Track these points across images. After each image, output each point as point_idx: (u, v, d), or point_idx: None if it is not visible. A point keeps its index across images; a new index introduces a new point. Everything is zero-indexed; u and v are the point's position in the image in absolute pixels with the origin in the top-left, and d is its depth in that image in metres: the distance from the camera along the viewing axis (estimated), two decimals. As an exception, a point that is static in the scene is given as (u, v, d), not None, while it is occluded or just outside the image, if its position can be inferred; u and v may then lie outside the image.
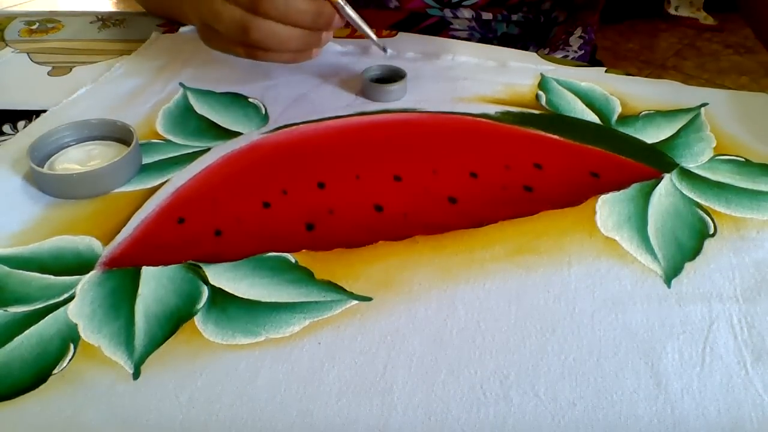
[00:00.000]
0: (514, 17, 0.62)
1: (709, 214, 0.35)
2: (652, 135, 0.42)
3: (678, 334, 0.29)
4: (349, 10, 0.41)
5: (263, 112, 0.45)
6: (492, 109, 0.44)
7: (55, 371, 0.27)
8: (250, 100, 0.46)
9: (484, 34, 0.62)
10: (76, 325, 0.29)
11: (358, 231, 0.34)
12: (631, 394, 0.26)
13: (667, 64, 2.13)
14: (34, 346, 0.28)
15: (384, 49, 0.45)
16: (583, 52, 0.70)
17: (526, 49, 0.60)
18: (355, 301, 0.30)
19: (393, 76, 0.47)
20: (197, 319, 0.29)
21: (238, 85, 0.48)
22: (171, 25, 0.58)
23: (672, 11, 2.36)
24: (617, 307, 0.30)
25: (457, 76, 0.49)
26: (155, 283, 0.31)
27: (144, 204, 0.36)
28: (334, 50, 0.53)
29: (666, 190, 0.37)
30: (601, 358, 0.28)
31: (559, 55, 0.67)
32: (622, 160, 0.40)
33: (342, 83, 0.48)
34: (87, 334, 0.29)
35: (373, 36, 0.44)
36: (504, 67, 0.50)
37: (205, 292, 0.31)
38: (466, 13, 0.60)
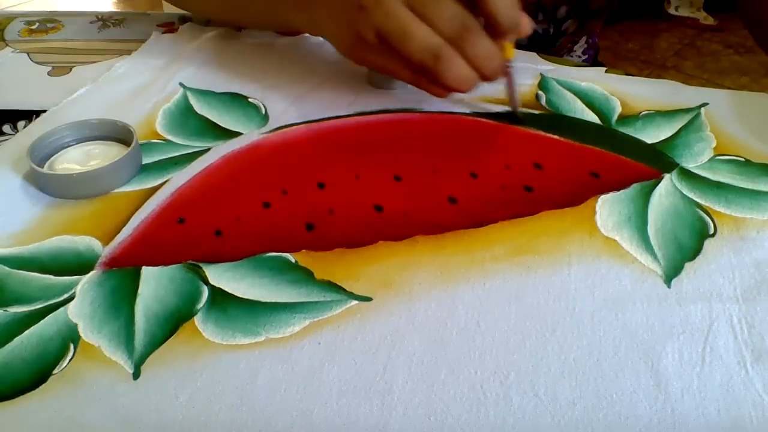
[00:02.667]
0: None
1: (709, 214, 0.35)
2: (652, 135, 0.42)
3: (678, 334, 0.29)
4: (515, 75, 0.42)
5: (263, 112, 0.45)
6: (492, 109, 0.44)
7: (55, 371, 0.27)
8: (250, 100, 0.46)
9: None
10: (76, 325, 0.29)
11: (358, 231, 0.34)
12: (631, 394, 0.26)
13: (667, 64, 2.13)
14: (34, 346, 0.28)
15: (518, 117, 0.44)
16: (586, 56, 0.70)
17: None
18: (355, 301, 0.30)
19: None
20: (197, 319, 0.29)
21: (238, 85, 0.48)
22: (171, 25, 0.58)
23: (672, 11, 2.36)
24: (617, 307, 0.30)
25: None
26: (155, 283, 0.31)
27: (144, 204, 0.36)
28: (334, 50, 0.53)
29: (666, 190, 0.37)
30: (601, 358, 0.28)
31: None
32: (622, 160, 0.40)
33: (342, 83, 0.48)
34: (87, 334, 0.29)
35: (517, 105, 0.44)
36: (504, 67, 0.50)
37: (205, 292, 0.31)
38: None
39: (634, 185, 0.37)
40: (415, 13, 0.36)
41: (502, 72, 0.41)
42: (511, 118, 0.44)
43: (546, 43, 0.64)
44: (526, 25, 0.39)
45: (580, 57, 0.70)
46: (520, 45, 0.59)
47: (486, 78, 0.39)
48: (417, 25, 0.36)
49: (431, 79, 0.39)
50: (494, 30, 0.38)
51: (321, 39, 0.54)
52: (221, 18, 0.57)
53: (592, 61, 0.72)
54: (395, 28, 0.37)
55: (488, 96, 0.46)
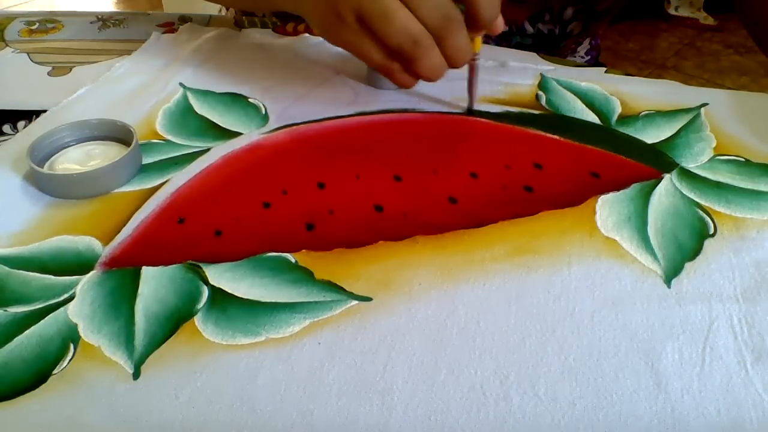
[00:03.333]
0: (530, 30, 0.62)
1: (709, 214, 0.35)
2: (652, 135, 0.42)
3: (678, 334, 0.29)
4: (478, 69, 0.43)
5: (263, 112, 0.45)
6: (492, 109, 0.44)
7: (55, 371, 0.27)
8: (250, 100, 0.46)
9: (498, 42, 0.62)
10: (76, 325, 0.29)
11: (358, 231, 0.34)
12: (631, 394, 0.26)
13: (667, 64, 2.13)
14: (34, 346, 0.28)
15: (470, 110, 0.45)
16: (589, 57, 0.70)
17: None
18: (355, 301, 0.30)
19: None
20: (197, 319, 0.29)
21: (238, 85, 0.48)
22: (171, 24, 0.58)
23: (672, 11, 2.36)
24: (617, 307, 0.30)
25: (456, 76, 0.49)
26: (155, 283, 0.31)
27: (144, 204, 0.36)
28: (334, 50, 0.53)
29: (666, 190, 0.37)
30: (601, 358, 0.28)
31: None
32: (622, 160, 0.40)
33: (342, 83, 0.48)
34: (87, 334, 0.29)
35: (474, 99, 0.44)
36: (504, 67, 0.50)
37: (205, 292, 0.31)
38: None
39: (634, 185, 0.37)
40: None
41: (468, 64, 0.41)
42: (516, 117, 0.44)
43: (550, 44, 0.64)
44: (501, 23, 0.40)
45: (582, 58, 0.70)
46: (524, 46, 0.60)
47: (454, 68, 0.40)
48: (400, 9, 0.36)
49: (403, 66, 0.39)
50: (472, 23, 0.38)
51: (321, 39, 0.54)
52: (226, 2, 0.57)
53: (594, 62, 0.72)
54: (377, 9, 0.36)
55: (488, 96, 0.46)
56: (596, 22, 0.66)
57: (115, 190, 0.37)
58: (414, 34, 0.36)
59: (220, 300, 0.30)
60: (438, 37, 0.37)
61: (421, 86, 0.47)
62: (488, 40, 0.62)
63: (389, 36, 0.37)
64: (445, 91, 0.47)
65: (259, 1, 0.55)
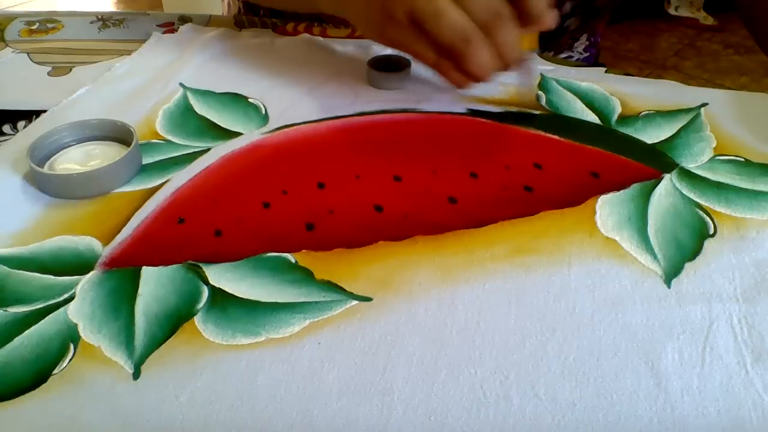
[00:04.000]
0: None
1: (709, 214, 0.35)
2: (652, 135, 0.42)
3: (678, 334, 0.29)
4: (534, 67, 0.43)
5: (263, 112, 0.45)
6: (492, 109, 0.44)
7: (55, 371, 0.27)
8: (250, 100, 0.46)
9: None
10: (76, 325, 0.29)
11: (358, 231, 0.34)
12: (631, 394, 0.26)
13: (667, 64, 2.12)
14: (34, 346, 0.28)
15: (533, 114, 0.45)
16: (588, 54, 0.70)
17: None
18: (355, 301, 0.30)
19: (397, 64, 0.48)
20: (197, 319, 0.29)
21: (238, 85, 0.48)
22: (171, 24, 0.58)
23: (672, 11, 2.36)
24: (617, 307, 0.30)
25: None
26: (155, 283, 0.31)
27: (144, 204, 0.36)
28: (334, 50, 0.53)
29: (666, 190, 0.37)
30: (601, 358, 0.28)
31: (563, 56, 0.67)
32: (622, 160, 0.40)
33: (342, 83, 0.48)
34: (87, 334, 0.29)
35: (533, 86, 0.44)
36: (504, 67, 0.50)
37: (205, 292, 0.31)
38: None
39: (634, 185, 0.37)
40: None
41: (521, 63, 0.41)
42: (516, 117, 0.44)
43: (547, 39, 0.64)
44: (553, 17, 0.40)
45: (581, 54, 0.69)
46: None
47: (505, 68, 0.40)
48: (451, 7, 0.37)
49: (454, 64, 0.39)
50: (522, 18, 0.38)
51: (321, 39, 0.54)
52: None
53: (594, 60, 0.72)
54: (429, 8, 0.37)
55: (488, 96, 0.46)
56: (594, 18, 0.66)
57: (115, 190, 0.37)
58: (464, 30, 0.37)
59: (220, 300, 0.30)
60: (487, 32, 0.37)
61: (421, 86, 0.48)
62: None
63: (440, 33, 0.37)
64: (445, 91, 0.47)
65: (299, 3, 0.55)
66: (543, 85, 0.47)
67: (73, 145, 0.39)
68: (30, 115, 0.44)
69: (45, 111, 0.44)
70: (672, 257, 0.33)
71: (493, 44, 0.38)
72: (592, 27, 0.68)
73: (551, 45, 0.65)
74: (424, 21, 0.37)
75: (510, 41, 0.38)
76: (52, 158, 0.38)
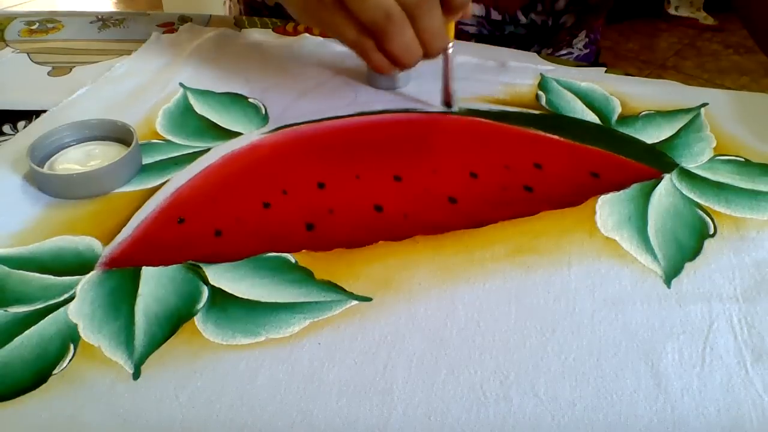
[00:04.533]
0: (523, 20, 0.62)
1: (709, 214, 0.35)
2: (652, 135, 0.42)
3: (678, 334, 0.29)
4: (453, 59, 0.43)
5: (263, 112, 0.45)
6: (492, 109, 0.44)
7: (55, 371, 0.27)
8: (250, 100, 0.46)
9: (492, 31, 0.62)
10: (76, 325, 0.29)
11: (358, 231, 0.34)
12: (631, 394, 0.26)
13: (667, 64, 2.13)
14: (34, 346, 0.28)
15: (450, 104, 0.45)
16: (588, 50, 0.70)
17: (529, 48, 0.60)
18: (355, 302, 0.30)
19: None
20: (197, 319, 0.29)
21: (238, 85, 0.48)
22: (171, 24, 0.58)
23: (672, 11, 2.36)
24: (617, 307, 0.30)
25: (456, 76, 0.49)
26: (155, 283, 0.31)
27: (144, 204, 0.36)
28: (334, 50, 0.53)
29: (666, 190, 0.37)
30: (601, 358, 0.28)
31: (563, 53, 0.67)
32: (622, 160, 0.40)
33: (342, 83, 0.48)
34: (87, 334, 0.29)
35: (452, 91, 0.44)
36: (504, 67, 0.50)
37: (205, 292, 0.31)
38: (476, 10, 0.60)
39: (634, 185, 0.37)
40: None
41: (442, 53, 0.41)
42: (516, 117, 0.44)
43: (544, 35, 0.64)
44: (471, 7, 0.40)
45: (581, 51, 0.69)
46: (517, 36, 0.59)
47: (428, 55, 0.39)
48: None
49: (376, 44, 0.39)
50: (445, 4, 0.38)
51: (321, 39, 0.54)
52: None
53: (594, 58, 0.72)
54: None
55: (488, 96, 0.46)
56: (590, 15, 0.66)
57: (115, 190, 0.37)
58: (387, 8, 0.36)
59: (220, 300, 0.30)
60: (412, 15, 0.37)
61: (421, 86, 0.48)
62: (482, 29, 0.62)
63: (362, 11, 0.37)
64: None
65: None
66: (543, 85, 0.47)
67: (73, 145, 0.39)
68: (30, 115, 0.44)
69: (45, 111, 0.44)
70: (672, 257, 0.33)
71: (417, 29, 0.38)
72: (590, 24, 0.68)
73: (549, 42, 0.65)
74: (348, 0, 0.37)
75: (434, 26, 0.38)
76: (52, 158, 0.38)
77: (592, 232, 0.34)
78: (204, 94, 0.47)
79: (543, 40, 0.65)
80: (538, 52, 0.53)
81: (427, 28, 0.38)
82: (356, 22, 0.38)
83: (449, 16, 0.40)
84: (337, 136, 0.42)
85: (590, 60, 0.71)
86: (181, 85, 0.47)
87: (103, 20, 0.59)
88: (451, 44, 0.42)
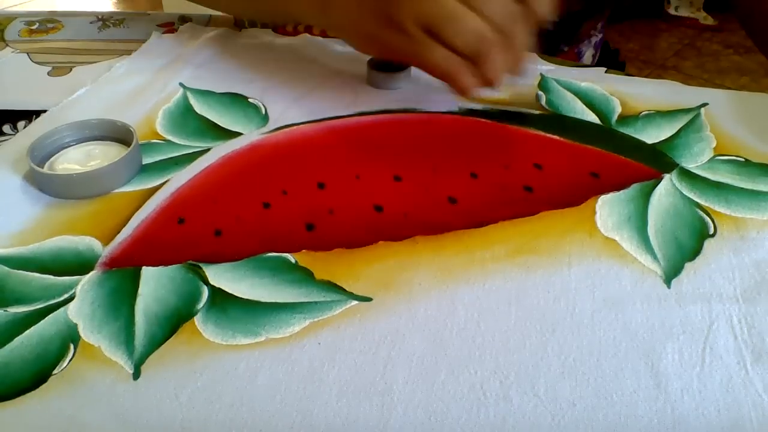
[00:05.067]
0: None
1: (709, 214, 0.35)
2: (652, 135, 0.42)
3: (678, 334, 0.29)
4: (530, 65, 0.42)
5: (263, 112, 0.45)
6: (492, 109, 0.44)
7: (55, 371, 0.27)
8: (250, 100, 0.46)
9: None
10: (76, 325, 0.29)
11: (358, 231, 0.34)
12: (631, 394, 0.26)
13: (667, 64, 2.12)
14: (34, 346, 0.28)
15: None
16: (601, 35, 0.71)
17: (555, 45, 0.60)
18: (355, 302, 0.30)
19: (397, 64, 0.48)
20: (197, 319, 0.29)
21: (238, 85, 0.48)
22: (171, 24, 0.58)
23: (672, 11, 2.36)
24: (617, 307, 0.30)
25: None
26: (155, 283, 0.31)
27: (144, 204, 0.36)
28: (334, 50, 0.53)
29: (666, 190, 0.37)
30: (601, 358, 0.28)
31: (583, 46, 0.67)
32: (622, 160, 0.40)
33: (342, 83, 0.48)
34: (87, 334, 0.29)
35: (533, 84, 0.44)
36: (504, 67, 0.50)
37: (205, 292, 0.31)
38: None
39: (634, 185, 0.37)
40: (463, 3, 0.36)
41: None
42: (516, 117, 0.44)
43: (569, 30, 0.64)
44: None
45: (597, 35, 0.70)
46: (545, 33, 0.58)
47: (517, 72, 0.39)
48: (464, 10, 0.35)
49: (469, 70, 0.38)
50: (527, 18, 0.37)
51: (321, 39, 0.54)
52: (229, 11, 0.56)
53: (600, 56, 0.72)
54: (442, 12, 0.35)
55: (488, 96, 0.46)
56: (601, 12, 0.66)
57: (115, 190, 0.37)
58: (481, 31, 0.36)
59: (220, 300, 0.30)
60: (504, 35, 0.36)
61: (421, 86, 0.48)
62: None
63: (456, 35, 0.36)
64: (445, 92, 0.47)
65: (272, 14, 0.52)
66: (543, 85, 0.47)
67: (73, 145, 0.39)
68: (30, 115, 0.44)
69: (45, 111, 0.44)
70: (672, 257, 0.33)
71: (508, 48, 0.37)
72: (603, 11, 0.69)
73: (572, 38, 0.65)
74: (439, 26, 0.36)
75: (523, 44, 0.37)
76: (52, 158, 0.38)
77: (592, 232, 0.34)
78: (204, 94, 0.47)
79: (563, 40, 0.65)
80: (538, 54, 0.52)
81: (518, 46, 0.37)
82: (447, 47, 0.37)
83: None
84: (337, 136, 0.42)
85: (599, 48, 0.71)
86: (181, 85, 0.47)
87: (103, 20, 0.59)
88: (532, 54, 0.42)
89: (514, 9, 0.36)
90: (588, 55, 0.70)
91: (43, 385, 0.27)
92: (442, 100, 0.46)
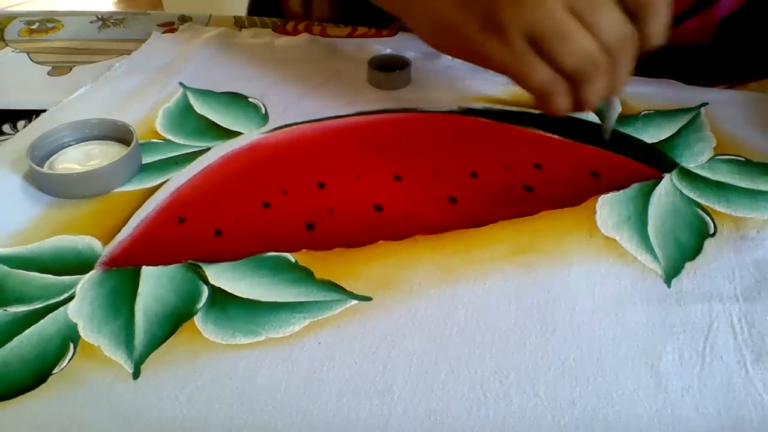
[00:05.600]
0: None
1: (709, 214, 0.35)
2: (652, 135, 0.42)
3: (678, 334, 0.29)
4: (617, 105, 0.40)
5: (263, 111, 0.45)
6: (492, 109, 0.44)
7: (55, 371, 0.27)
8: (250, 100, 0.46)
9: None
10: (76, 324, 0.29)
11: (358, 231, 0.34)
12: (631, 394, 0.26)
13: (667, 64, 2.12)
14: (34, 346, 0.28)
15: (606, 139, 0.42)
16: None
17: None
18: (355, 301, 0.30)
19: (398, 64, 0.48)
20: (197, 319, 0.29)
21: (238, 84, 0.48)
22: (171, 24, 0.58)
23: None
24: (617, 307, 0.30)
25: (457, 76, 0.49)
26: (155, 283, 0.31)
27: (144, 204, 0.36)
28: (334, 50, 0.53)
29: (666, 189, 0.37)
30: (601, 358, 0.28)
31: None
32: (622, 160, 0.40)
33: (342, 83, 0.48)
34: (87, 333, 0.29)
35: (609, 126, 0.41)
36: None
37: (205, 292, 0.31)
38: None
39: (634, 185, 0.37)
40: (576, 17, 0.33)
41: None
42: (516, 117, 0.44)
43: None
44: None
45: None
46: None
47: (613, 96, 0.37)
48: (577, 27, 0.32)
49: (564, 90, 0.34)
50: (638, 42, 0.34)
51: (321, 39, 0.54)
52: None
53: None
54: (552, 28, 0.32)
55: (488, 96, 0.46)
56: None
57: (115, 190, 0.37)
58: (593, 54, 0.33)
59: (220, 300, 0.30)
60: (614, 57, 0.33)
61: (421, 86, 0.48)
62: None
63: (567, 55, 0.33)
64: (446, 91, 0.47)
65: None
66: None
67: (73, 144, 0.39)
68: (30, 115, 0.44)
69: (45, 111, 0.44)
70: (672, 257, 0.33)
71: (615, 70, 0.34)
72: None
73: None
74: (548, 42, 0.33)
75: (629, 67, 0.34)
76: (52, 158, 0.38)
77: (592, 232, 0.34)
78: (204, 93, 0.47)
79: None
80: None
81: (625, 72, 0.34)
82: (550, 63, 0.34)
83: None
84: (337, 136, 0.42)
85: None
86: (181, 84, 0.47)
87: (103, 20, 0.59)
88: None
89: (627, 30, 0.33)
90: None
91: (43, 385, 0.27)
92: (442, 100, 0.46)
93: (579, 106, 0.35)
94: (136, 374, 0.27)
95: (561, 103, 0.35)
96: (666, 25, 0.34)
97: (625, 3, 0.33)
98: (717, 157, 0.40)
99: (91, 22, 0.59)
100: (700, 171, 0.38)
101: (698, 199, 0.36)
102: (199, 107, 0.45)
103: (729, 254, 0.33)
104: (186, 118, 0.44)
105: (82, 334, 0.29)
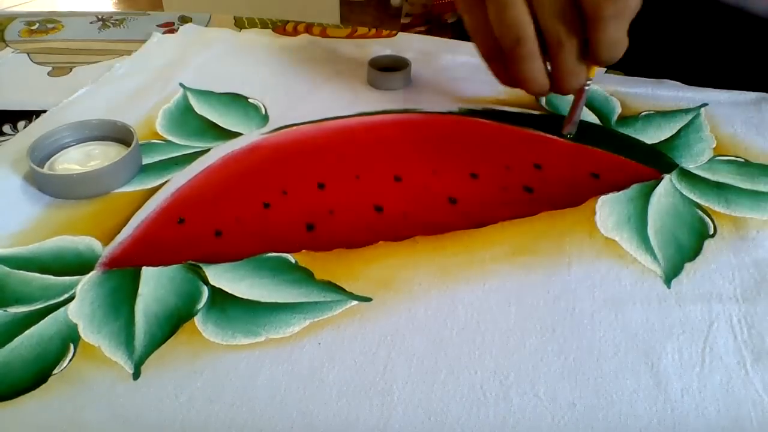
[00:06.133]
0: None
1: (708, 215, 0.35)
2: (652, 135, 0.42)
3: (678, 334, 0.29)
4: (586, 95, 0.40)
5: (263, 112, 0.45)
6: (492, 109, 0.44)
7: (55, 371, 0.27)
8: (250, 100, 0.46)
9: None
10: (76, 325, 0.29)
11: (358, 231, 0.34)
12: (631, 394, 0.26)
13: (667, 64, 2.12)
14: (34, 346, 0.28)
15: (565, 133, 0.42)
16: None
17: None
18: (355, 302, 0.30)
19: (398, 64, 0.48)
20: (197, 320, 0.29)
21: (238, 85, 0.48)
22: (171, 24, 0.58)
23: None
24: (617, 307, 0.30)
25: (457, 76, 0.49)
26: (155, 283, 0.31)
27: (144, 204, 0.36)
28: (335, 50, 0.53)
29: (666, 190, 0.37)
30: (601, 358, 0.28)
31: None
32: (622, 160, 0.40)
33: (342, 83, 0.48)
34: (87, 334, 0.29)
35: (573, 124, 0.41)
36: (504, 68, 0.50)
37: (205, 293, 0.31)
38: None
39: (634, 186, 0.37)
40: None
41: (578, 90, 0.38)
42: (516, 117, 0.44)
43: None
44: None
45: None
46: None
47: (558, 92, 0.36)
48: (521, 2, 0.32)
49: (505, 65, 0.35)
50: (591, 56, 0.34)
51: (321, 39, 0.54)
52: None
53: None
54: None
55: (488, 96, 0.46)
56: None
57: (115, 190, 0.37)
58: (520, 33, 0.33)
59: (220, 300, 0.30)
60: (550, 47, 0.34)
61: (421, 86, 0.48)
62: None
63: (495, 24, 0.33)
64: (445, 91, 0.47)
65: None
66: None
67: (73, 145, 0.39)
68: (30, 115, 0.44)
69: (45, 111, 0.44)
70: (672, 257, 0.33)
71: (552, 64, 0.34)
72: None
73: None
74: (488, 6, 0.33)
75: (570, 66, 0.34)
76: (52, 158, 0.38)
77: (592, 233, 0.34)
78: (204, 94, 0.47)
79: None
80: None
81: (562, 67, 0.34)
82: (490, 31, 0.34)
83: (590, 63, 0.35)
84: (337, 136, 0.42)
85: None
86: (181, 85, 0.47)
87: (103, 20, 0.59)
88: (588, 82, 0.39)
89: (570, 18, 0.33)
90: None
91: (43, 385, 0.27)
92: (442, 100, 0.46)
93: (518, 83, 0.35)
94: (136, 375, 0.27)
95: (502, 79, 0.36)
96: (615, 45, 0.33)
97: (582, 7, 0.32)
98: (717, 158, 0.40)
99: (91, 23, 0.59)
100: (700, 172, 0.38)
101: (698, 200, 0.36)
102: (199, 108, 0.45)
103: (729, 255, 0.33)
104: (186, 118, 0.44)
105: (82, 334, 0.29)
